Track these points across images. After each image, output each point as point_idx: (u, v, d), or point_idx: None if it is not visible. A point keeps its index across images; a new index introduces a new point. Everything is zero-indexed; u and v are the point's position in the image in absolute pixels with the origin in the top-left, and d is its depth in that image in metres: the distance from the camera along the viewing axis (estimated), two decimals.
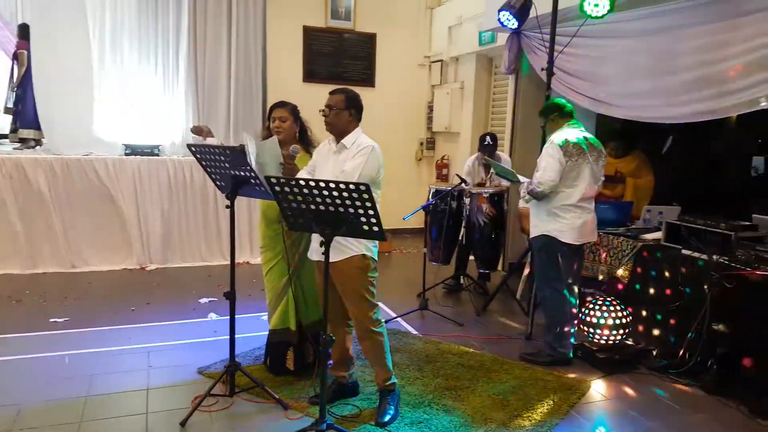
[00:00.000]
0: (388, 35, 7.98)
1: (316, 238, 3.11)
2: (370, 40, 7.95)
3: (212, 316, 4.68)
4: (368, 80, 7.97)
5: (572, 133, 3.80)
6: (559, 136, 3.78)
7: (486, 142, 5.36)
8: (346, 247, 2.98)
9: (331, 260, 2.80)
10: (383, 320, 3.20)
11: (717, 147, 6.76)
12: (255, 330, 4.27)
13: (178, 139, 6.68)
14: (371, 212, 2.52)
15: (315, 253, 3.13)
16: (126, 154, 6.21)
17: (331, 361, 3.65)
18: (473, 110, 7.39)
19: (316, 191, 2.55)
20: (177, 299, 5.12)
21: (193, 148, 3.17)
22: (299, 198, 2.61)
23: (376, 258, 3.10)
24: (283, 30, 7.41)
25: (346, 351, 3.32)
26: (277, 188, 2.64)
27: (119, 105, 6.46)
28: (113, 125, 6.44)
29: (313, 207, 2.61)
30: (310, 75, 7.71)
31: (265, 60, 7.20)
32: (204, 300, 5.08)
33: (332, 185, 2.50)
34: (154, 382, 3.51)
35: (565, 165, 3.70)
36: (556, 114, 3.93)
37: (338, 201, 2.53)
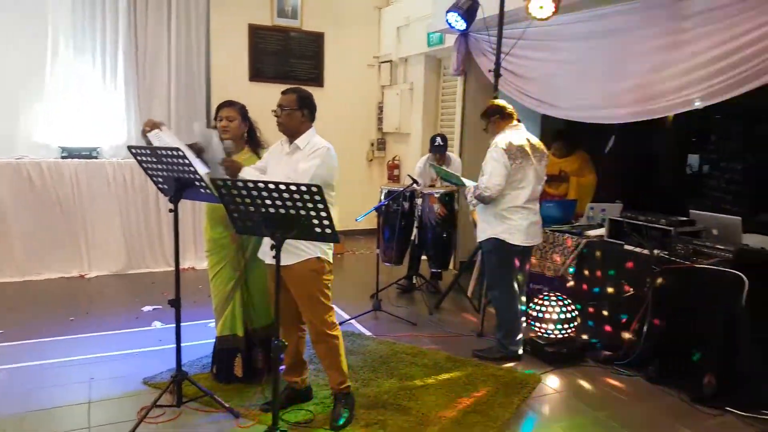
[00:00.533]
0: (336, 35, 7.93)
1: (267, 241, 3.05)
2: (317, 39, 7.88)
3: (156, 324, 4.53)
4: (317, 80, 7.90)
5: (515, 135, 3.85)
6: (502, 139, 3.82)
7: (437, 143, 5.40)
8: (300, 250, 2.93)
9: (285, 263, 2.77)
10: (338, 323, 3.17)
11: (654, 146, 7.03)
12: (202, 338, 4.15)
13: (118, 141, 6.43)
14: (324, 214, 2.49)
15: (267, 256, 3.07)
16: (62, 157, 5.94)
17: (283, 367, 3.61)
18: (423, 111, 7.45)
19: (265, 193, 2.49)
20: (119, 308, 4.93)
21: (134, 150, 3.05)
22: (247, 201, 2.56)
23: (331, 260, 3.07)
24: (228, 28, 7.24)
25: (299, 355, 3.28)
26: (224, 191, 2.58)
27: (55, 105, 6.15)
28: (48, 127, 6.13)
29: (263, 210, 2.56)
30: (257, 74, 7.58)
31: (209, 59, 7.02)
32: (147, 308, 4.90)
33: (282, 187, 2.45)
34: (96, 394, 3.37)
35: (510, 168, 3.75)
36: (497, 116, 3.95)
37: (289, 203, 2.49)
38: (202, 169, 2.93)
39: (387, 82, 8.09)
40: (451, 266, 5.97)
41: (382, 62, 8.18)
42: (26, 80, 6.04)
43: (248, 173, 2.97)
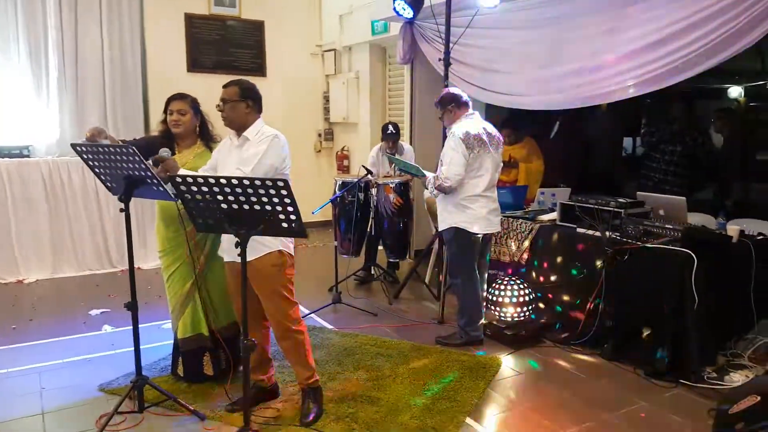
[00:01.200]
0: (277, 23, 7.77)
1: (227, 238, 2.97)
2: (257, 27, 7.70)
3: (107, 328, 4.35)
4: (259, 70, 7.72)
5: (472, 124, 3.87)
6: (459, 128, 3.83)
7: (389, 131, 5.39)
8: (261, 245, 2.85)
9: (249, 260, 2.67)
10: (303, 318, 3.13)
11: (593, 131, 7.28)
12: (156, 340, 4.02)
13: (51, 139, 6.13)
14: (291, 209, 2.43)
15: (227, 253, 2.99)
16: None
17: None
18: (370, 100, 7.41)
19: (228, 189, 2.42)
20: (64, 313, 4.71)
21: (79, 148, 2.89)
22: (209, 197, 2.47)
23: (293, 253, 3.01)
24: (163, 18, 6.96)
25: (265, 353, 3.22)
26: (183, 188, 2.48)
27: None
28: None
29: (225, 206, 2.48)
30: (196, 65, 7.34)
31: (144, 50, 6.76)
32: (95, 312, 4.71)
33: (247, 182, 2.38)
34: (49, 404, 3.21)
35: (468, 157, 3.77)
36: (452, 104, 3.96)
37: (254, 198, 2.42)
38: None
39: (332, 71, 8.00)
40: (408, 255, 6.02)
41: (326, 51, 8.08)
42: None
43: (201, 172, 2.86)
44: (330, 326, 4.43)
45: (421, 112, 6.52)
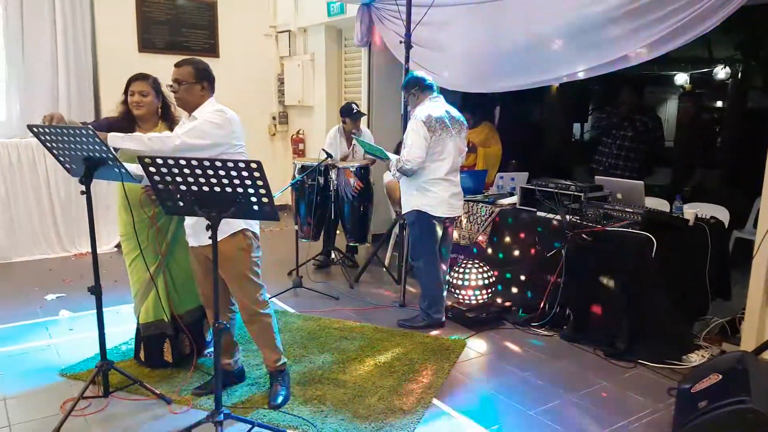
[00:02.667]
0: (230, 3, 7.54)
1: (191, 223, 2.91)
2: (210, 7, 7.47)
3: (64, 313, 4.22)
4: (212, 50, 7.51)
5: (434, 107, 3.89)
6: (421, 111, 3.84)
7: (355, 111, 5.34)
8: (224, 224, 2.72)
9: (207, 243, 2.61)
10: (269, 300, 3.11)
11: (542, 116, 7.46)
12: (116, 324, 3.92)
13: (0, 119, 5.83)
14: (263, 191, 2.41)
15: (192, 238, 2.94)
16: None
17: (210, 350, 3.51)
18: (326, 83, 7.34)
19: (199, 171, 2.37)
20: (17, 298, 4.56)
21: (36, 129, 2.77)
22: (178, 179, 2.42)
23: (257, 233, 2.97)
24: None
25: (231, 336, 3.19)
26: (152, 169, 2.42)
27: None
28: None
29: (195, 188, 2.43)
30: (147, 45, 7.09)
31: (94, 29, 6.47)
32: (50, 296, 4.57)
33: (219, 164, 2.34)
34: (10, 390, 3.12)
35: (430, 140, 3.79)
36: (416, 88, 3.96)
37: (225, 180, 2.38)
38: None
39: (286, 53, 7.86)
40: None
41: (280, 32, 7.92)
42: None
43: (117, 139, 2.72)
44: (292, 310, 4.42)
45: (378, 94, 6.53)
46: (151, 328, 3.33)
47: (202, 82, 2.84)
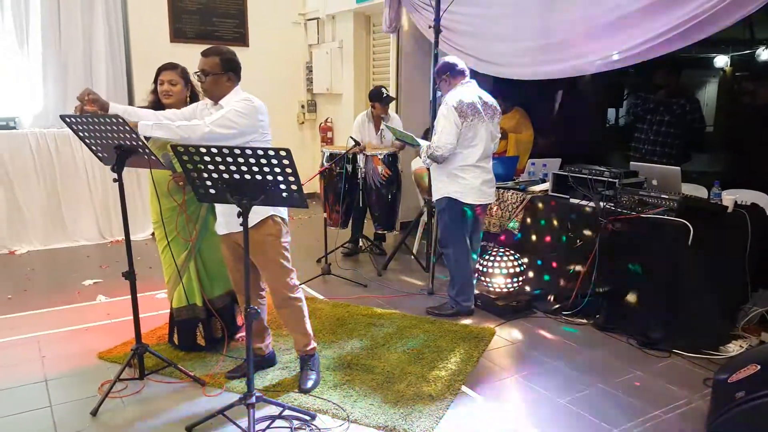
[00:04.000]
0: None
1: (222, 211, 2.95)
2: None
3: (101, 298, 4.34)
4: (242, 39, 7.58)
5: (466, 92, 3.83)
6: (453, 97, 3.79)
7: (384, 95, 5.30)
8: (253, 212, 2.72)
9: (239, 230, 2.64)
10: (299, 285, 3.14)
11: (576, 101, 7.29)
12: (150, 309, 4.02)
13: (36, 110, 5.98)
14: (292, 179, 2.43)
15: (222, 226, 2.98)
16: None
17: (241, 334, 3.56)
18: (354, 70, 7.33)
19: (230, 159, 2.40)
20: (57, 283, 4.70)
21: (69, 119, 2.83)
22: (210, 167, 2.45)
23: (286, 219, 3.00)
24: None
25: (261, 321, 3.24)
26: (185, 157, 2.46)
27: None
28: None
29: (226, 176, 2.47)
30: (179, 34, 7.18)
31: (127, 19, 6.58)
32: (88, 282, 4.70)
33: (249, 152, 2.36)
34: (51, 372, 3.22)
35: (462, 126, 3.74)
36: (448, 73, 3.91)
37: (255, 168, 2.41)
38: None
39: (315, 41, 7.88)
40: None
41: (309, 20, 7.94)
42: None
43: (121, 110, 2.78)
44: (321, 296, 4.46)
45: (407, 81, 6.50)
46: (183, 312, 3.40)
47: (228, 72, 2.85)
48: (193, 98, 3.32)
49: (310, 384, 3.07)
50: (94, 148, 2.91)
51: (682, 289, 3.45)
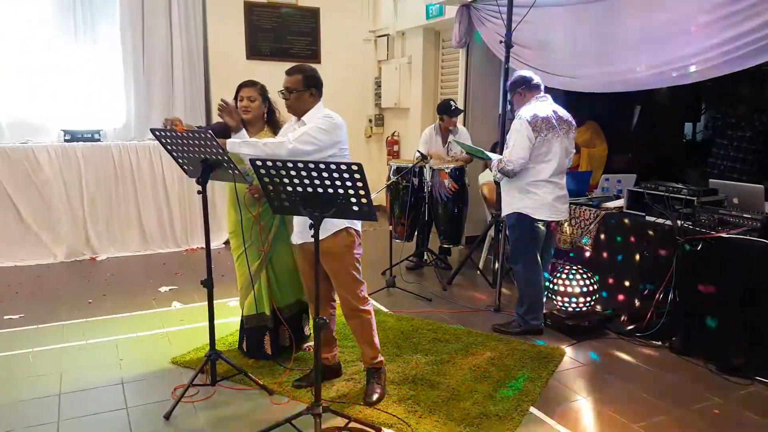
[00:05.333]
0: (332, 9, 7.79)
1: (297, 222, 3.04)
2: (313, 14, 7.75)
3: (176, 304, 4.52)
4: (314, 56, 7.78)
5: (541, 107, 3.78)
6: (527, 111, 3.74)
7: (453, 107, 5.30)
8: (329, 223, 2.86)
9: (312, 241, 2.70)
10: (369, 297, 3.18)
11: (652, 115, 7.04)
12: (222, 317, 4.15)
13: (119, 124, 6.34)
14: (362, 192, 2.47)
15: (297, 236, 3.06)
16: (65, 141, 5.84)
17: (309, 344, 3.62)
18: (422, 85, 7.38)
19: (304, 172, 2.47)
20: (134, 289, 4.92)
21: (158, 132, 3.01)
22: (285, 180, 2.53)
23: (360, 231, 3.07)
24: (224, 5, 7.07)
25: (330, 331, 3.28)
26: (263, 171, 2.55)
27: (53, 88, 5.98)
28: (49, 110, 6.00)
29: (300, 189, 2.54)
30: (254, 52, 7.46)
31: (206, 36, 6.88)
32: (164, 289, 4.91)
33: (322, 166, 2.43)
34: (128, 375, 3.37)
35: (535, 141, 3.68)
36: (523, 87, 3.87)
37: (328, 182, 2.47)
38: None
39: (384, 57, 7.99)
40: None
41: (379, 36, 8.07)
42: (26, 62, 5.88)
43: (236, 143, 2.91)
44: (385, 309, 4.47)
45: (476, 96, 6.48)
46: (253, 320, 3.50)
47: (311, 89, 2.98)
48: (270, 114, 3.45)
49: (375, 397, 3.07)
50: (180, 161, 3.07)
51: (765, 312, 3.26)
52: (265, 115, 3.43)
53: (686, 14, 3.91)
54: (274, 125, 3.44)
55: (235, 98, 3.40)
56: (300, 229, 3.02)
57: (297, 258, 3.17)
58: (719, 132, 5.12)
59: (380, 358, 3.19)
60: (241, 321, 3.59)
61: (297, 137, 2.82)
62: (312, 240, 2.63)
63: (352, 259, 3.02)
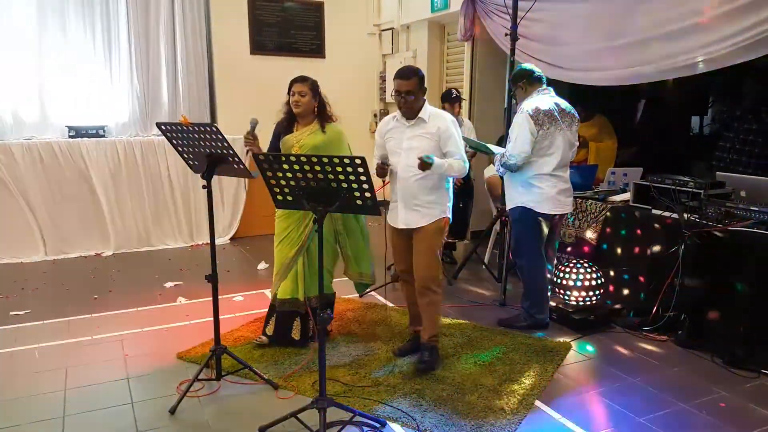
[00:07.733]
0: (336, 3, 7.74)
1: (402, 207, 3.29)
2: (317, 8, 7.70)
3: (181, 300, 4.52)
4: (318, 51, 7.73)
5: (543, 100, 3.74)
6: (529, 104, 3.71)
7: (453, 95, 5.28)
8: (434, 210, 3.25)
9: (420, 225, 3.24)
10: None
11: (658, 109, 7.00)
12: (227, 312, 4.14)
13: (123, 119, 6.35)
14: (366, 186, 2.47)
15: (401, 222, 3.32)
16: (70, 137, 5.85)
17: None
18: (427, 79, 7.28)
19: (307, 167, 2.47)
20: (140, 285, 4.93)
21: (164, 127, 3.01)
22: (288, 175, 2.53)
23: (451, 218, 3.37)
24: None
25: (416, 308, 3.49)
26: (265, 165, 2.55)
27: (56, 85, 6.00)
28: (52, 106, 6.01)
29: (303, 183, 2.53)
30: (258, 47, 7.42)
31: (210, 31, 6.88)
32: (169, 284, 4.91)
33: (325, 159, 2.42)
34: (133, 370, 3.37)
35: (537, 134, 3.65)
36: (524, 81, 3.83)
37: (331, 176, 2.46)
38: None
39: (389, 51, 7.95)
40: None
41: (384, 30, 8.03)
42: (24, 56, 5.88)
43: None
44: (390, 304, 4.46)
45: (480, 88, 6.46)
46: (286, 304, 3.57)
47: (423, 88, 3.21)
48: (320, 109, 3.54)
49: (424, 365, 3.32)
50: (185, 155, 3.07)
51: None
52: (316, 109, 3.52)
53: (701, 3, 3.87)
54: (323, 119, 3.53)
55: (288, 93, 3.50)
56: (403, 215, 3.30)
57: (394, 238, 3.44)
58: (726, 125, 5.07)
59: (437, 338, 3.44)
60: (272, 304, 3.64)
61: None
62: (414, 226, 3.22)
63: (440, 242, 3.33)
